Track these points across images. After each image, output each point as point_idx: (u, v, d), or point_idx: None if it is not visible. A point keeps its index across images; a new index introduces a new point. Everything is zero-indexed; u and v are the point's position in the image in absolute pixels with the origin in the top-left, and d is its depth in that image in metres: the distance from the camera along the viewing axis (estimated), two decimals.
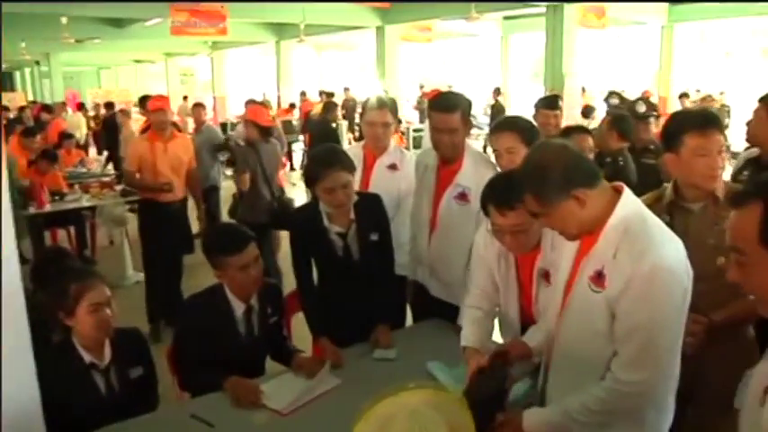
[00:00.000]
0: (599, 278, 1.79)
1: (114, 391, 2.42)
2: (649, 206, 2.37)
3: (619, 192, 1.83)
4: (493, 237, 2.36)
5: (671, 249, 1.76)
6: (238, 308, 2.67)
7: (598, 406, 1.80)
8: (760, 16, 13.96)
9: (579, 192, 1.75)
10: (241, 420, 2.28)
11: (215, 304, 2.66)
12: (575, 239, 1.90)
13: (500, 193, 2.19)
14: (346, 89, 17.48)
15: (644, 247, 1.72)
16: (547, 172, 1.76)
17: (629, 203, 1.82)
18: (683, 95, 9.72)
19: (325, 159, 2.78)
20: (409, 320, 3.52)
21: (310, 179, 2.81)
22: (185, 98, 18.99)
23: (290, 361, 2.69)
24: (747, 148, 3.36)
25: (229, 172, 8.20)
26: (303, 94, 16.96)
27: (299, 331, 3.15)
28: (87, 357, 2.36)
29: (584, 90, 13.29)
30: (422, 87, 17.27)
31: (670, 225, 2.26)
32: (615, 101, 7.31)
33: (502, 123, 2.95)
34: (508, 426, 1.92)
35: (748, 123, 3.03)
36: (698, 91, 13.30)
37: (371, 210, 2.96)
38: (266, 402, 2.38)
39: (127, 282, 6.34)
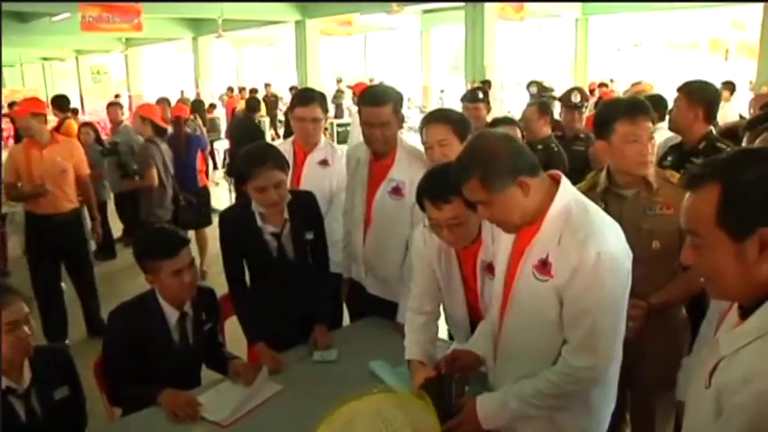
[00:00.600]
0: (544, 266, 1.79)
1: (36, 417, 2.22)
2: (584, 193, 2.41)
3: (557, 180, 1.84)
4: (431, 235, 2.32)
5: (612, 234, 1.79)
6: (172, 315, 2.54)
7: (551, 390, 1.82)
8: (665, 11, 14.64)
9: (524, 178, 1.75)
10: None
11: (146, 312, 2.51)
12: (514, 231, 1.89)
13: (435, 187, 2.14)
14: (267, 85, 17.17)
15: (587, 234, 1.73)
16: (494, 158, 1.75)
17: (568, 191, 1.83)
18: (602, 85, 10.06)
19: (256, 157, 2.65)
20: (346, 320, 3.47)
21: (241, 178, 2.69)
22: (117, 96, 18.22)
23: (226, 369, 2.58)
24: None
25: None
26: (230, 89, 16.54)
27: (232, 336, 3.03)
28: (4, 382, 2.14)
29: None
30: (339, 81, 17.07)
31: (605, 212, 2.31)
32: (534, 90, 7.48)
33: (433, 115, 2.91)
34: (466, 422, 1.90)
35: (670, 112, 3.12)
36: (612, 81, 13.78)
37: (305, 208, 2.88)
38: (205, 415, 2.26)
39: None
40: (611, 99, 3.31)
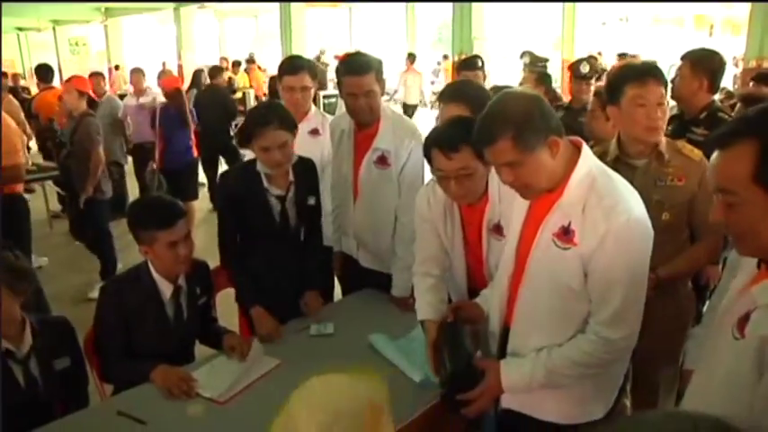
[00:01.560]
0: (566, 234, 1.71)
1: (36, 384, 2.16)
2: None
3: (578, 147, 1.77)
4: (435, 195, 2.27)
5: (637, 201, 1.73)
6: (166, 289, 2.45)
7: (585, 359, 1.75)
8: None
9: (554, 138, 1.68)
10: (174, 414, 2.09)
11: (140, 286, 2.43)
12: (535, 197, 1.81)
13: (444, 136, 2.08)
14: (250, 60, 16.72)
15: (615, 201, 1.67)
16: (528, 116, 1.66)
17: (590, 157, 1.76)
18: (592, 58, 9.97)
19: (261, 116, 2.59)
20: (338, 295, 3.41)
21: (246, 137, 2.61)
22: (117, 68, 17.81)
23: (220, 343, 2.51)
24: None
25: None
26: (164, 65, 15.28)
27: (225, 310, 2.95)
28: (3, 344, 2.09)
29: None
30: (322, 53, 16.71)
31: None
32: (527, 59, 7.46)
33: (449, 93, 2.71)
34: (490, 390, 1.85)
35: (673, 81, 3.06)
36: (599, 54, 13.71)
37: (308, 172, 2.82)
38: (200, 391, 2.20)
39: None
40: (623, 64, 3.25)
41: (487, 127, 1.70)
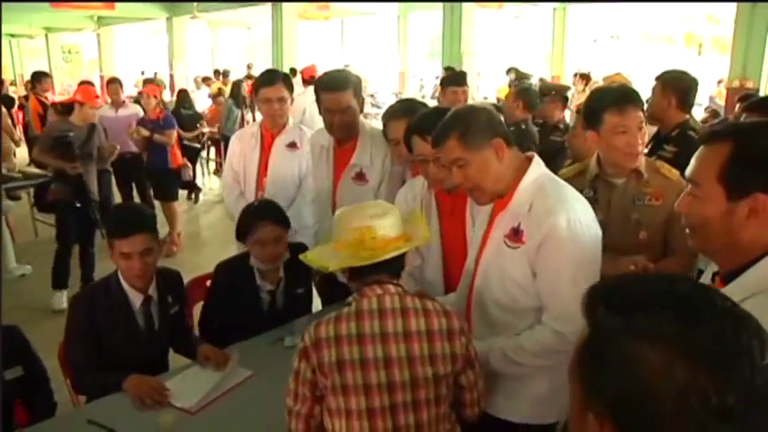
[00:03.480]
0: (516, 235, 1.84)
1: None
2: (572, 178, 2.43)
3: (530, 159, 1.92)
4: (413, 190, 2.40)
5: (582, 206, 1.85)
6: (136, 298, 2.47)
7: (536, 348, 1.84)
8: (643, 2, 14.73)
9: (500, 141, 1.83)
10: (145, 423, 2.09)
11: (110, 295, 2.45)
12: (486, 202, 1.94)
13: (422, 121, 2.25)
14: (249, 66, 16.54)
15: (558, 201, 1.79)
16: (473, 118, 1.86)
17: (541, 167, 1.91)
18: (583, 76, 10.01)
19: (258, 211, 2.75)
20: (317, 306, 3.43)
21: (241, 233, 2.75)
22: (143, 74, 17.69)
23: (194, 353, 2.52)
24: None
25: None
26: (155, 75, 15.28)
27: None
28: None
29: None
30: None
31: (594, 199, 2.31)
32: (512, 75, 7.62)
33: (396, 110, 2.73)
34: None
35: (647, 101, 3.12)
36: (588, 72, 13.85)
37: (299, 263, 2.88)
38: (172, 401, 2.21)
39: (9, 276, 5.81)
40: (600, 88, 3.31)
41: (440, 129, 1.90)
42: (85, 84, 6.02)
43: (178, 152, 6.82)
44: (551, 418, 1.97)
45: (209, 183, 10.05)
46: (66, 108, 5.63)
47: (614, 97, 2.35)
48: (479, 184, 1.86)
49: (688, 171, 1.34)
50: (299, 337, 2.63)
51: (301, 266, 2.81)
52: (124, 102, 7.12)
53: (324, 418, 1.70)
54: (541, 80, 5.07)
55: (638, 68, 14.89)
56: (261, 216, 2.69)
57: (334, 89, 2.79)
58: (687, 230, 1.37)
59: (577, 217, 1.77)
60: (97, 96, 5.73)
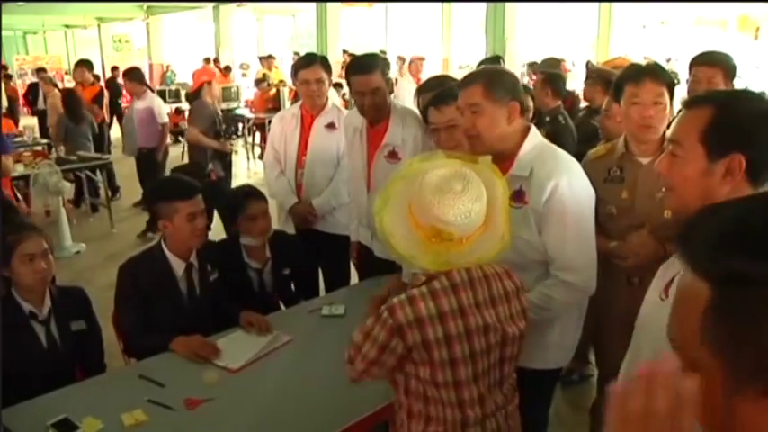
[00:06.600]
0: (519, 196, 2.00)
1: (55, 343, 2.39)
2: (601, 157, 2.51)
3: (528, 129, 2.12)
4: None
5: (578, 169, 2.08)
6: (178, 266, 2.64)
7: (547, 303, 2.01)
8: None
9: (516, 105, 2.02)
10: (191, 379, 2.25)
11: (154, 264, 2.62)
12: (481, 152, 1.95)
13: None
14: (296, 53, 16.58)
15: (557, 164, 2.01)
16: (503, 74, 2.11)
17: (537, 136, 2.12)
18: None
19: (243, 192, 3.08)
20: (354, 281, 3.56)
21: (234, 210, 2.98)
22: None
23: (235, 318, 2.65)
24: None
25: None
26: (207, 60, 14.58)
27: None
28: (26, 307, 2.35)
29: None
30: (345, 53, 16.60)
31: (620, 177, 2.38)
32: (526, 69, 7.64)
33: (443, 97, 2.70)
34: None
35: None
36: (645, 58, 13.57)
37: (285, 246, 3.14)
38: (216, 361, 2.36)
39: (65, 253, 6.12)
40: (632, 64, 3.33)
41: (470, 74, 2.14)
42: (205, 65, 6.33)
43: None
44: (561, 362, 2.20)
45: (253, 167, 10.28)
46: (196, 94, 6.05)
47: (635, 71, 2.45)
48: (483, 134, 2.04)
49: (670, 132, 1.43)
50: (336, 308, 2.79)
51: (287, 249, 3.13)
52: (145, 92, 7.07)
53: (410, 384, 1.68)
54: (588, 63, 5.01)
55: (688, 55, 14.49)
56: (248, 193, 3.00)
57: (363, 72, 2.91)
58: (664, 190, 1.45)
59: (576, 177, 2.00)
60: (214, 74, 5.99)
